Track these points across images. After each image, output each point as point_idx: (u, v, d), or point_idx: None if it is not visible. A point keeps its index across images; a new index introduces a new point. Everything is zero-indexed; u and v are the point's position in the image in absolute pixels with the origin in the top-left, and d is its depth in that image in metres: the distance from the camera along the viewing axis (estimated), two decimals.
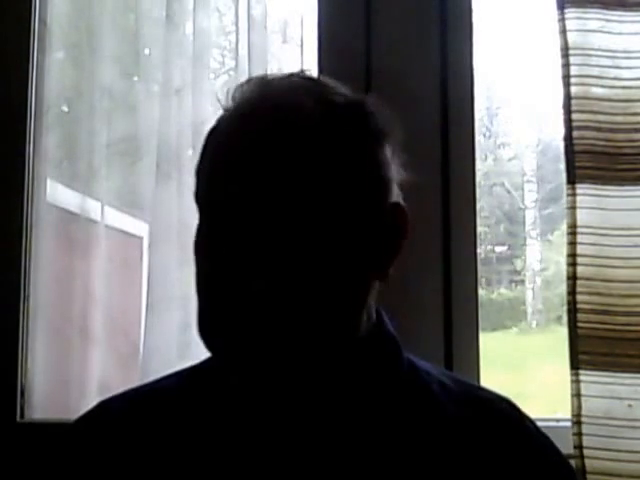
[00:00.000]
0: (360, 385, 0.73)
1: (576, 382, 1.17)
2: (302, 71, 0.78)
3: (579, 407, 1.17)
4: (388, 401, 0.74)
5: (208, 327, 0.71)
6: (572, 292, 1.19)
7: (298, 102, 0.72)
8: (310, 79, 0.78)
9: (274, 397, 0.72)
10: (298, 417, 0.71)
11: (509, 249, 2.11)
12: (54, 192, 1.39)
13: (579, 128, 1.21)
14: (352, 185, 0.71)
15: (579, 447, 1.15)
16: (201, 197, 0.73)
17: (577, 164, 1.21)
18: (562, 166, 1.23)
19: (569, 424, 1.16)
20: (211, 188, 0.71)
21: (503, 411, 0.79)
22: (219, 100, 0.79)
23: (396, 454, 0.71)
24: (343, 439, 0.70)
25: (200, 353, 1.32)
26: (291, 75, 0.77)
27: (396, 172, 0.76)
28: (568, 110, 1.22)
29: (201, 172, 0.75)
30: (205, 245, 0.71)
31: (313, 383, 0.71)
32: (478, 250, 1.33)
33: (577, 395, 1.17)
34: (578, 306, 1.18)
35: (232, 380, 0.74)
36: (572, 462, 1.11)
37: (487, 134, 2.13)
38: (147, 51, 1.46)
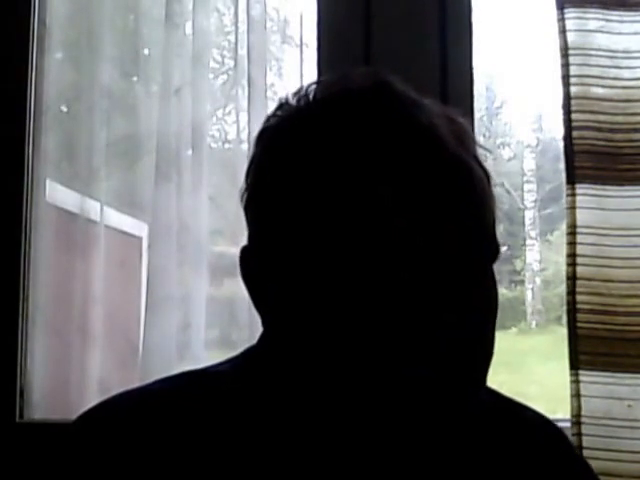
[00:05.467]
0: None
1: (576, 382, 1.17)
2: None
3: (579, 407, 1.17)
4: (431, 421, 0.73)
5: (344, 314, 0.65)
6: (572, 292, 1.19)
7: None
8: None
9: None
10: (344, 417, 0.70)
11: (509, 249, 2.12)
12: (53, 192, 1.39)
13: (579, 128, 1.21)
14: None
15: (579, 447, 1.15)
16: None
17: (577, 164, 1.21)
18: (562, 166, 1.23)
19: (569, 424, 1.16)
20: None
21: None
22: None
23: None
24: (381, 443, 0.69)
25: (200, 353, 1.33)
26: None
27: None
28: (568, 110, 1.22)
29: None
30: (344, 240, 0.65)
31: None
32: None
33: (577, 395, 1.17)
34: (578, 306, 1.18)
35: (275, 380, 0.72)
36: None
37: (487, 134, 2.13)
38: (146, 51, 1.46)
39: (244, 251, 0.72)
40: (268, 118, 0.73)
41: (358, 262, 0.64)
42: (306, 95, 0.71)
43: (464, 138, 0.70)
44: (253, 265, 0.70)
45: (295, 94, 0.72)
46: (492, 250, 0.70)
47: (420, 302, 0.64)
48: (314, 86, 0.72)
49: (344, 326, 0.65)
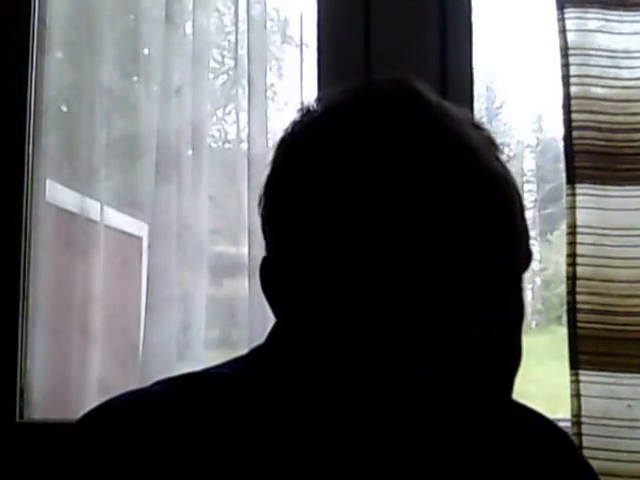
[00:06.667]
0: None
1: (576, 382, 1.17)
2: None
3: (579, 407, 1.17)
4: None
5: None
6: (572, 292, 1.19)
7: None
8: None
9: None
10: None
11: None
12: (53, 192, 1.39)
13: (579, 128, 1.21)
14: None
15: (579, 447, 1.15)
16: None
17: (577, 164, 1.21)
18: (562, 166, 1.23)
19: (569, 424, 1.16)
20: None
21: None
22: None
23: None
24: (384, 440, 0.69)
25: (200, 353, 1.33)
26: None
27: None
28: (568, 110, 1.22)
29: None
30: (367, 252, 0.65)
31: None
32: None
33: (577, 395, 1.17)
34: (578, 306, 1.18)
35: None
36: None
37: None
38: (147, 51, 1.46)
39: (265, 262, 0.72)
40: (289, 126, 0.72)
41: (375, 268, 0.64)
42: (328, 102, 0.70)
43: (492, 147, 0.72)
44: (273, 274, 0.70)
45: (317, 100, 0.71)
46: (524, 258, 0.71)
47: (435, 303, 0.65)
48: (338, 93, 0.71)
49: (355, 327, 0.65)
